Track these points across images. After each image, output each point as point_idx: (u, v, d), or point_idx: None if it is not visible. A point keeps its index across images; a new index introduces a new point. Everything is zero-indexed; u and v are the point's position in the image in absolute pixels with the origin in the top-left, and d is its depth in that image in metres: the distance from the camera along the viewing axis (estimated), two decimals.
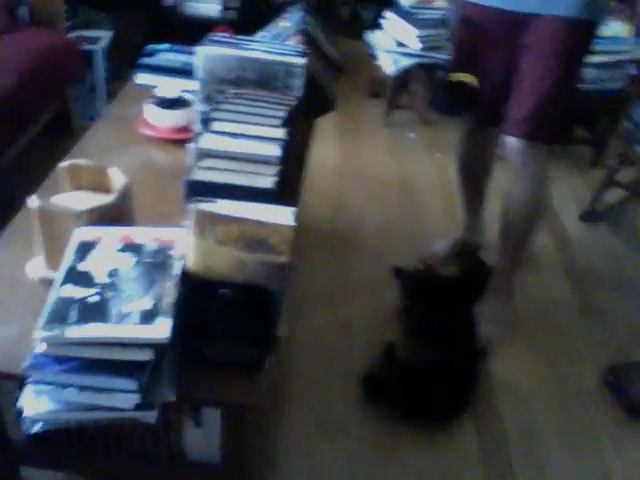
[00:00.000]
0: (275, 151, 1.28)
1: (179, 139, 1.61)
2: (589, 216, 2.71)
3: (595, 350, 2.02)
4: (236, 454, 1.20)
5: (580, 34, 1.71)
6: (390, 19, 3.20)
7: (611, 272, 2.42)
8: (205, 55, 1.49)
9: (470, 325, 1.93)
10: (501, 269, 2.03)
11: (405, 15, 3.09)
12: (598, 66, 2.90)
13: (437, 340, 1.85)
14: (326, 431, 1.66)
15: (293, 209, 1.09)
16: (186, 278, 1.03)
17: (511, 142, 1.80)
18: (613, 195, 2.73)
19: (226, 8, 3.39)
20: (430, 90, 3.37)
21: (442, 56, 3.00)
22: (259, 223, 1.03)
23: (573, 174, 3.03)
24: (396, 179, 2.86)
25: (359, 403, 1.74)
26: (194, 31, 1.77)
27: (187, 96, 1.71)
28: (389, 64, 3.14)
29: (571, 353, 2.01)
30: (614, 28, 3.07)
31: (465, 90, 1.96)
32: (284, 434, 1.63)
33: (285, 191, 1.27)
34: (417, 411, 1.70)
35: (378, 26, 3.28)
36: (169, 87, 1.75)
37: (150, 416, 0.97)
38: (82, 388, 0.96)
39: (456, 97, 2.13)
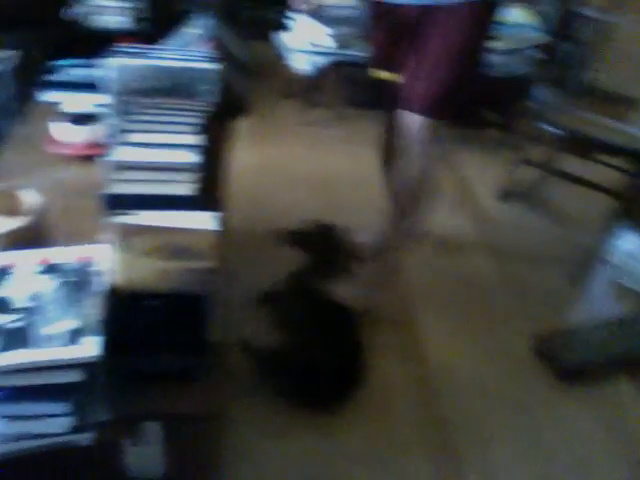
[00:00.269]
0: (193, 158, 1.27)
1: (91, 154, 1.58)
2: (505, 195, 2.83)
3: (521, 321, 2.11)
4: (181, 467, 1.19)
5: (481, 14, 1.79)
6: (299, 19, 3.22)
7: (529, 247, 2.53)
8: (116, 67, 1.47)
9: (330, 304, 1.91)
10: (386, 242, 2.07)
11: (315, 14, 3.13)
12: (504, 52, 3.03)
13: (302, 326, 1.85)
14: (271, 433, 1.66)
15: (216, 214, 1.09)
16: (112, 293, 1.01)
17: (410, 118, 1.86)
18: (526, 174, 2.85)
19: (136, 19, 3.33)
20: (346, 86, 3.42)
21: (357, 53, 3.06)
22: (182, 231, 1.03)
23: (487, 156, 3.15)
24: (317, 176, 2.89)
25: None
26: (101, 44, 1.73)
27: (96, 110, 1.67)
28: (304, 64, 3.17)
29: (499, 326, 2.09)
30: (516, 15, 3.20)
31: (387, 87, 2.01)
32: (230, 440, 1.63)
33: (207, 197, 1.26)
34: (301, 397, 1.73)
35: (285, 27, 3.31)
36: (76, 103, 1.71)
37: (86, 438, 0.95)
38: (13, 418, 0.93)
39: (378, 94, 2.17)
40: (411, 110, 1.85)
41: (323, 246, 2.13)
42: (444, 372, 1.88)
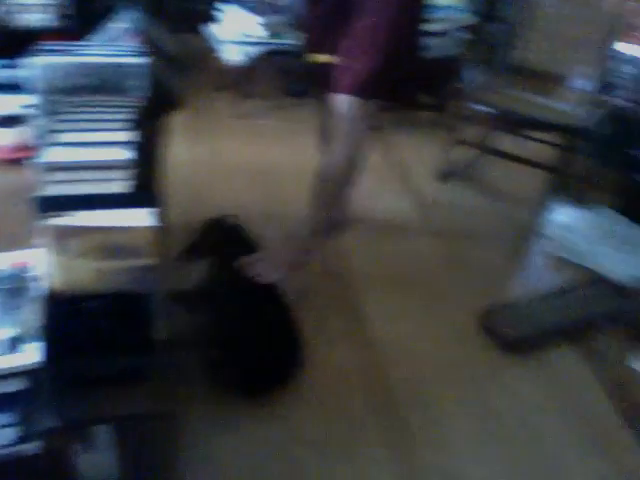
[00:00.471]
0: (126, 155, 1.25)
1: (19, 158, 1.53)
2: (442, 176, 2.88)
3: (465, 298, 2.16)
4: (135, 470, 1.17)
5: None
6: (229, 10, 3.19)
7: (469, 225, 2.60)
8: (41, 66, 1.42)
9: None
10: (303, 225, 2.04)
11: (244, 4, 3.11)
12: (433, 34, 3.08)
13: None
14: (224, 427, 1.65)
15: (153, 210, 1.07)
16: (51, 298, 0.99)
17: (339, 99, 1.87)
18: (462, 153, 2.91)
19: (59, 16, 3.22)
20: (279, 76, 3.41)
21: (289, 41, 3.05)
22: (119, 229, 1.01)
23: (422, 138, 3.21)
24: (254, 167, 2.87)
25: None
26: (24, 43, 1.67)
27: (22, 111, 1.61)
28: (236, 54, 3.14)
29: (444, 304, 2.14)
30: None
31: (323, 70, 2.01)
32: (184, 438, 1.61)
33: (143, 193, 1.24)
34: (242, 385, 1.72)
35: (215, 18, 3.27)
36: (1, 104, 1.65)
37: (34, 447, 0.93)
38: None
39: (314, 79, 2.17)
40: (340, 90, 1.86)
41: (220, 243, 2.06)
42: (392, 353, 1.91)
